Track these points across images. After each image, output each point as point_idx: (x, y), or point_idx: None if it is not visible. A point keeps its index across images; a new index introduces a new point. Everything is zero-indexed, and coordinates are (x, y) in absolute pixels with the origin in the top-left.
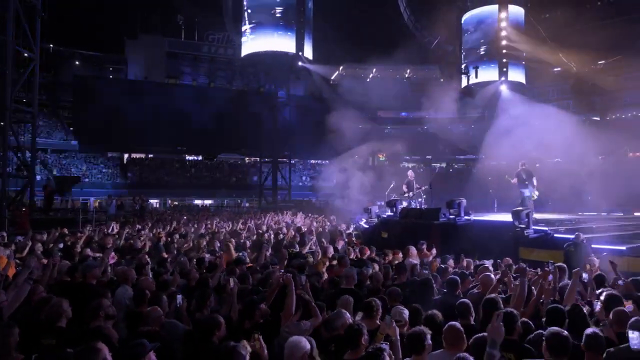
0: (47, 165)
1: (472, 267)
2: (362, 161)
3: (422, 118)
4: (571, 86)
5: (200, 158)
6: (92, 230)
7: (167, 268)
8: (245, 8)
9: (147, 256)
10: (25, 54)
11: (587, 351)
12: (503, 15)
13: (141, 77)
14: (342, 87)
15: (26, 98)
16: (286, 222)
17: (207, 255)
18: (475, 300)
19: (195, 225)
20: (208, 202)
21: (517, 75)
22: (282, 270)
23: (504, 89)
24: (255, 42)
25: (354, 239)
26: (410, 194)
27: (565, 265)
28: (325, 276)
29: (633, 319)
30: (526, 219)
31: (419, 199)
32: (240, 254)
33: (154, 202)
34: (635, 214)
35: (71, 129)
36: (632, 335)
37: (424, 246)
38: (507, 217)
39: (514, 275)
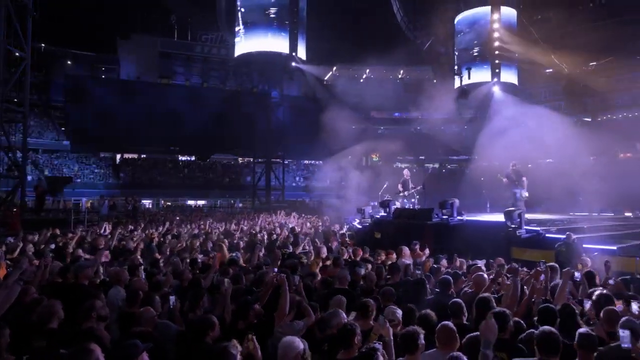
0: (38, 165)
1: (464, 267)
2: (356, 161)
3: (416, 118)
4: (563, 87)
5: (193, 158)
6: (84, 231)
7: (160, 269)
8: (238, 8)
9: (139, 257)
10: (17, 54)
11: (580, 350)
12: (496, 16)
13: (134, 77)
14: (336, 88)
15: (17, 98)
16: (280, 222)
17: (200, 256)
18: (468, 300)
19: (189, 226)
20: (201, 202)
21: (509, 76)
22: (276, 270)
23: (496, 90)
24: (249, 42)
25: (347, 239)
26: (405, 193)
27: (557, 265)
28: (319, 277)
29: (624, 318)
30: (518, 219)
31: (413, 200)
32: (234, 254)
33: (147, 202)
34: (626, 214)
35: (63, 129)
36: (623, 334)
37: (417, 246)
38: (499, 218)
39: (507, 275)
